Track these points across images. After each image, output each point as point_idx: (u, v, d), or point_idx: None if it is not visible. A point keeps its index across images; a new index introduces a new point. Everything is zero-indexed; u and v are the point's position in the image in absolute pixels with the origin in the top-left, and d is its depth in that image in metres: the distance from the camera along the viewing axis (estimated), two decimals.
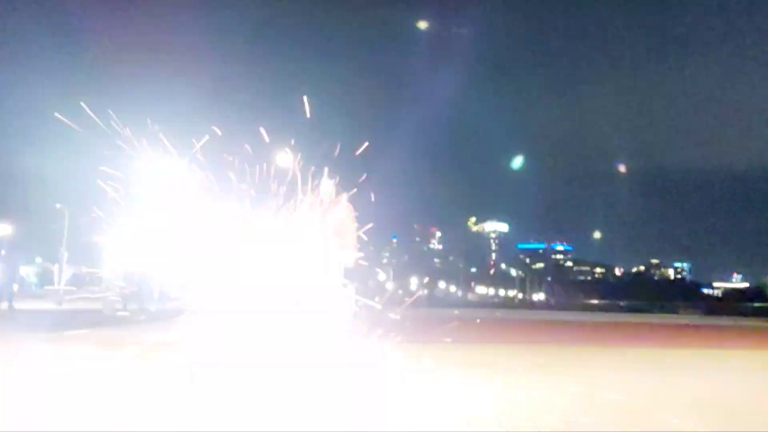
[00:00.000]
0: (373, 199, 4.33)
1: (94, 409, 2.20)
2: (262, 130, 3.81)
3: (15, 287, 16.33)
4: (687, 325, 12.08)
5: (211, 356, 3.20)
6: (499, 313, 17.99)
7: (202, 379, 2.79)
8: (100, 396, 2.47)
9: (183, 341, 5.39)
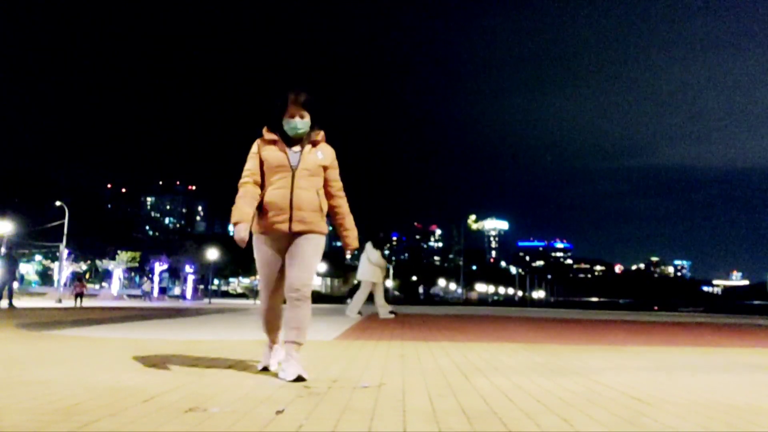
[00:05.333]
0: None
1: None
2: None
3: (15, 285, 16.41)
4: (687, 323, 12.08)
5: None
6: (498, 311, 17.99)
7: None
8: None
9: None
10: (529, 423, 2.09)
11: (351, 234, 3.39)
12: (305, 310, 3.10)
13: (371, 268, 10.82)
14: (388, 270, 11.53)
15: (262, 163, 3.19)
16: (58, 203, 41.63)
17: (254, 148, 3.24)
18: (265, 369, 3.31)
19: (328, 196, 3.29)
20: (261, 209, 3.15)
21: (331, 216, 3.37)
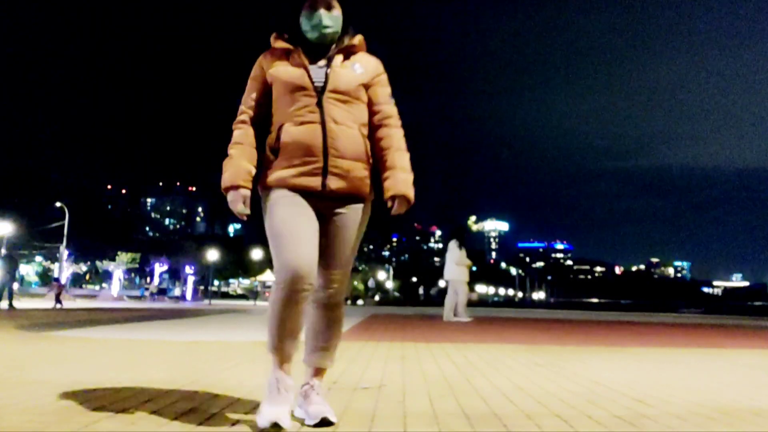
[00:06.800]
0: None
1: None
2: None
3: (15, 286, 16.41)
4: (687, 324, 12.08)
5: None
6: (498, 312, 17.99)
7: None
8: None
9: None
10: (529, 424, 2.09)
11: (401, 178, 2.10)
12: (340, 321, 2.16)
13: (458, 267, 10.41)
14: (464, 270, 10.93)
15: (268, 88, 2.13)
16: (58, 204, 41.68)
17: (256, 68, 2.17)
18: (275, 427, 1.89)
19: (371, 127, 2.16)
20: (277, 153, 2.05)
21: (374, 153, 2.16)
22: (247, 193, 2.06)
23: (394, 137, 2.15)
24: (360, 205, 2.12)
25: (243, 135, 2.12)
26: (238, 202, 2.05)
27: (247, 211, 2.06)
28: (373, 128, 2.15)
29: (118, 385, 2.76)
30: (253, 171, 2.10)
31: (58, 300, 19.65)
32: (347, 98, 2.07)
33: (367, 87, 2.14)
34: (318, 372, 2.16)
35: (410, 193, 2.10)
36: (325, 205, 2.06)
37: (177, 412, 2.16)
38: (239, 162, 2.08)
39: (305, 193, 2.03)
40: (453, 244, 10.70)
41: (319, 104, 2.02)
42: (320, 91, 2.04)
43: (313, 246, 2.00)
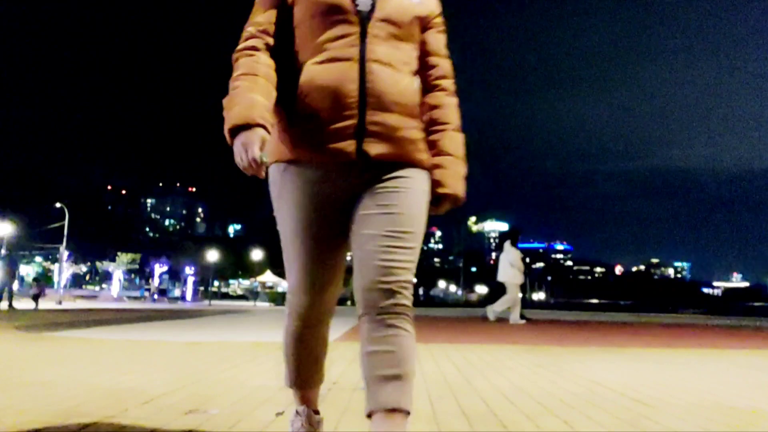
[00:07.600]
0: None
1: None
2: None
3: (15, 286, 16.41)
4: (687, 325, 12.08)
5: None
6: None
7: None
8: None
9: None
10: (529, 424, 2.09)
11: (455, 171, 1.53)
12: (408, 337, 1.36)
13: (512, 269, 10.12)
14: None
15: (286, 10, 1.46)
16: (58, 205, 41.72)
17: None
18: None
19: (422, 86, 1.53)
20: (290, 108, 1.42)
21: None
22: (266, 135, 1.35)
23: (451, 109, 1.56)
24: (415, 173, 1.44)
25: (254, 64, 1.42)
26: (254, 145, 1.31)
27: (267, 160, 1.33)
28: (425, 88, 1.54)
29: (118, 386, 2.76)
30: (267, 103, 1.38)
31: (36, 300, 18.75)
32: (399, 32, 1.44)
33: (423, 27, 1.52)
34: (396, 413, 1.38)
35: (463, 192, 1.55)
36: (360, 178, 1.42)
37: (177, 413, 2.16)
38: (252, 94, 1.37)
39: (332, 159, 1.39)
40: (509, 245, 10.38)
41: (362, 36, 1.40)
42: (364, 17, 1.40)
43: (333, 273, 1.51)
